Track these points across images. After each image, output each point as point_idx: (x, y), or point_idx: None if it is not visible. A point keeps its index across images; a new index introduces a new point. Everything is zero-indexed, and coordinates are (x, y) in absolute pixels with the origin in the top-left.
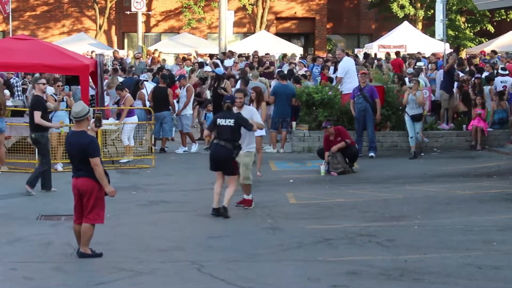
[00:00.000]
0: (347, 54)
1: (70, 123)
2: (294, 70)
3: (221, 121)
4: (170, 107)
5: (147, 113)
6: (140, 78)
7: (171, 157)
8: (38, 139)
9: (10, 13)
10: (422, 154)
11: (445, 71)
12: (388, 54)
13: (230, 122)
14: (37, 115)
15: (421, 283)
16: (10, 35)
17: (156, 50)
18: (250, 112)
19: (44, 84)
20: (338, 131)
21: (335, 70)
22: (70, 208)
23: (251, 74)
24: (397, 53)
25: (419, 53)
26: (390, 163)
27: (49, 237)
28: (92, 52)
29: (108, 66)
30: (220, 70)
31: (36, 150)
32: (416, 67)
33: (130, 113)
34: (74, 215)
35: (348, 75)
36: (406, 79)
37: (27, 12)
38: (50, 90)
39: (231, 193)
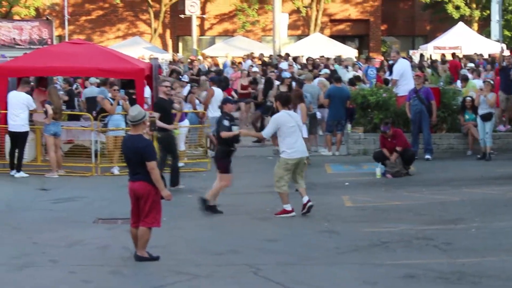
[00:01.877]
0: (403, 57)
1: (126, 126)
2: (347, 71)
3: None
4: None
5: (199, 116)
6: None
7: None
8: (160, 139)
9: (66, 18)
10: (478, 156)
11: (500, 71)
12: (443, 55)
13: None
14: (156, 116)
15: (480, 286)
16: (66, 40)
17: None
18: None
19: (167, 86)
20: (395, 133)
21: (390, 72)
22: (127, 212)
23: (304, 76)
24: (453, 55)
25: (476, 54)
26: (446, 165)
27: (106, 240)
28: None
29: (164, 70)
30: (286, 74)
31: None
32: (467, 67)
33: (182, 118)
34: (131, 218)
35: (403, 77)
36: (458, 81)
37: (82, 17)
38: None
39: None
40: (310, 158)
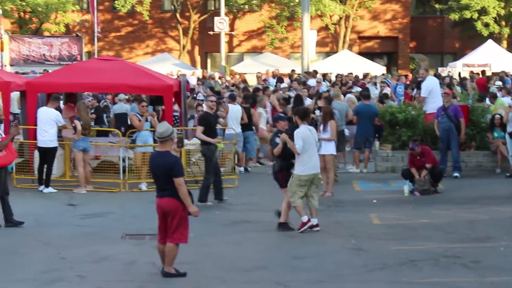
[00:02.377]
0: (434, 74)
1: (153, 142)
2: (375, 88)
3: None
4: (253, 127)
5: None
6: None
7: (254, 177)
8: (203, 152)
9: (96, 34)
10: (507, 174)
11: None
12: (472, 72)
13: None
14: (199, 130)
15: None
16: (95, 56)
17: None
18: None
19: (212, 101)
20: (423, 150)
21: (418, 89)
22: (154, 228)
23: (332, 93)
24: (483, 72)
25: (503, 72)
26: (475, 184)
27: (133, 256)
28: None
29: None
30: (323, 88)
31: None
32: (495, 85)
33: None
34: (158, 234)
35: (432, 95)
36: (487, 99)
37: (112, 33)
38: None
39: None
40: (338, 175)
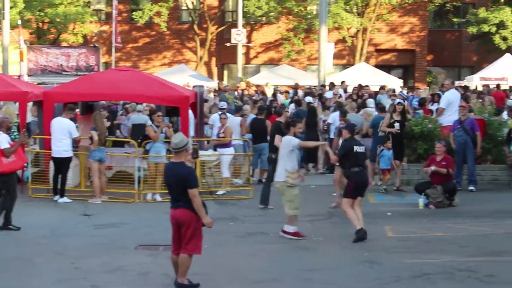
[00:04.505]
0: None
1: (166, 153)
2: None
3: (357, 148)
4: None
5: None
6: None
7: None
8: (274, 159)
9: (114, 45)
10: None
11: None
12: (487, 86)
13: (363, 148)
14: (277, 138)
15: None
16: (113, 67)
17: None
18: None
19: (287, 111)
20: (447, 157)
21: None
22: (168, 239)
23: (348, 106)
24: (498, 86)
25: None
26: (490, 197)
27: (147, 267)
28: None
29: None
30: (398, 100)
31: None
32: (511, 99)
33: (227, 144)
34: (172, 245)
35: (450, 107)
36: (505, 112)
37: (129, 44)
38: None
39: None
40: None
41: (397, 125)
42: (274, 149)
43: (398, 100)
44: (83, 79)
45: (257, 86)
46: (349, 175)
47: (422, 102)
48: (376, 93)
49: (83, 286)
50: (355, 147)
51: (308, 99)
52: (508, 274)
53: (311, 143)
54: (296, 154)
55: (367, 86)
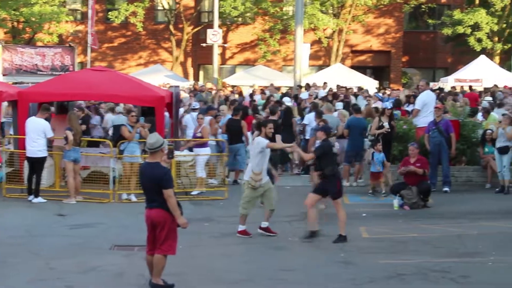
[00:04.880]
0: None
1: (140, 154)
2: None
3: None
4: (244, 139)
5: (219, 145)
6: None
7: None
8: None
9: (89, 45)
10: (497, 189)
11: None
12: (461, 88)
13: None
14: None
15: None
16: (88, 66)
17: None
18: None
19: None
20: (421, 158)
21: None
22: (143, 239)
23: (324, 107)
24: (471, 87)
25: (495, 85)
26: (464, 198)
27: (122, 267)
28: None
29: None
30: (387, 104)
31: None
32: (485, 100)
33: (204, 144)
34: (147, 246)
35: (425, 108)
36: (479, 114)
37: (105, 44)
38: (123, 119)
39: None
40: None
41: (386, 124)
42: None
43: (387, 104)
44: (58, 79)
45: (233, 86)
46: (334, 173)
47: (397, 104)
48: (355, 94)
49: (58, 286)
50: (333, 148)
51: (286, 100)
52: (482, 275)
53: (278, 145)
54: (265, 155)
55: (343, 87)
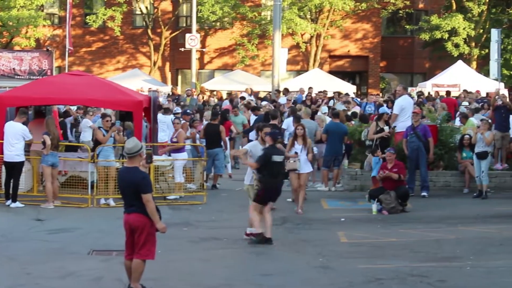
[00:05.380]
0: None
1: (120, 158)
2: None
3: (276, 158)
4: (222, 143)
5: (197, 150)
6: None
7: (223, 194)
8: None
9: (67, 49)
10: (475, 194)
11: (495, 110)
12: (437, 93)
13: (281, 158)
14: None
15: None
16: (66, 71)
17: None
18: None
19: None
20: (398, 163)
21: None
22: (122, 244)
23: (302, 112)
24: (448, 93)
25: (465, 91)
26: (442, 203)
27: (100, 272)
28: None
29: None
30: (385, 109)
31: None
32: (464, 105)
33: (181, 149)
34: (126, 250)
35: (403, 113)
36: (457, 119)
37: (83, 48)
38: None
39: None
40: (306, 193)
41: (386, 128)
42: None
43: (385, 109)
44: (36, 83)
45: (211, 91)
46: (262, 182)
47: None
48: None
49: None
50: (273, 156)
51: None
52: (459, 279)
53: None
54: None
55: (322, 91)
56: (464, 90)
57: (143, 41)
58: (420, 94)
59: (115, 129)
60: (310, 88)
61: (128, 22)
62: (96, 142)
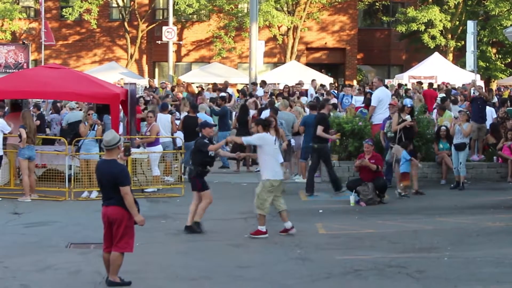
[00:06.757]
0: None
1: (99, 151)
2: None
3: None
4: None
5: (174, 143)
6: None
7: None
8: (320, 149)
9: (43, 42)
10: (452, 185)
11: (469, 101)
12: (419, 84)
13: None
14: (320, 129)
15: None
16: (42, 64)
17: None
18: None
19: (330, 104)
20: (375, 155)
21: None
22: (100, 236)
23: (280, 104)
24: (430, 84)
25: (443, 83)
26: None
27: (78, 265)
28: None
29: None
30: (407, 102)
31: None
32: (440, 97)
33: (155, 142)
34: (104, 243)
35: (381, 105)
36: (435, 111)
37: (59, 41)
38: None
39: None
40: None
41: (408, 117)
42: (316, 139)
43: (407, 101)
44: (12, 76)
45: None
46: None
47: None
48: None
49: (13, 285)
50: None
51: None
52: (437, 270)
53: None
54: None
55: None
56: (443, 82)
57: (119, 34)
58: (399, 85)
59: (92, 122)
60: (300, 81)
61: (104, 15)
62: (75, 135)
